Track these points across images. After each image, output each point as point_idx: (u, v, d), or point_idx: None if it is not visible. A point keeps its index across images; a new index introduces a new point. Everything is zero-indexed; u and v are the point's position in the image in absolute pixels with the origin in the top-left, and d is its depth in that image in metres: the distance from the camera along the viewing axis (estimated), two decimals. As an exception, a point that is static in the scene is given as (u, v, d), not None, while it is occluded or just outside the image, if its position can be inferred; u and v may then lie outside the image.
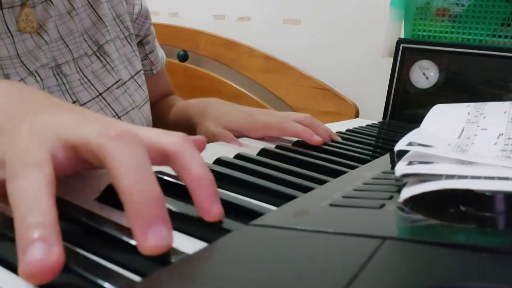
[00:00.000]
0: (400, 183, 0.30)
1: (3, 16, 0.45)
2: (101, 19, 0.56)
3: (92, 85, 0.54)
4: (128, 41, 0.60)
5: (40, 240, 0.18)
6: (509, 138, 0.33)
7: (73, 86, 0.51)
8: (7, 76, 0.45)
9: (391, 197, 0.28)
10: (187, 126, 0.62)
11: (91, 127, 0.23)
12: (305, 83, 1.25)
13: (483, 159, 0.28)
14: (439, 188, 0.26)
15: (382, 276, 0.18)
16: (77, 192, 0.29)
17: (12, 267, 0.20)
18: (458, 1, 0.76)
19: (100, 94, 0.54)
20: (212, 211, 0.24)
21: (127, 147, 0.22)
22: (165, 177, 0.32)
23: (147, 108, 0.62)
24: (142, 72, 0.63)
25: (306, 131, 0.50)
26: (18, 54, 0.46)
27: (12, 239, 0.21)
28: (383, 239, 0.21)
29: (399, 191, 0.28)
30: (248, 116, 0.54)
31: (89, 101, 0.53)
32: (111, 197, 0.28)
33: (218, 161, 0.39)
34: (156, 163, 0.24)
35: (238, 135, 0.53)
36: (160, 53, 0.73)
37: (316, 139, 0.50)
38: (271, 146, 0.47)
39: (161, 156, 0.25)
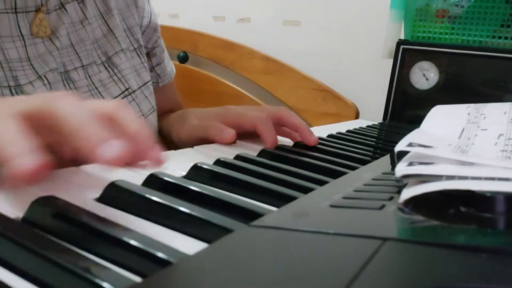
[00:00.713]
0: (400, 184, 0.30)
1: (17, 20, 0.46)
2: (112, 30, 0.57)
3: (99, 92, 0.54)
4: (137, 53, 0.61)
5: (24, 154, 0.24)
6: (509, 139, 0.33)
7: (81, 92, 0.53)
8: (15, 78, 0.47)
9: (391, 198, 0.28)
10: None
11: (37, 99, 0.28)
12: (305, 84, 1.25)
13: (483, 159, 0.28)
14: (440, 189, 0.26)
15: (383, 277, 0.18)
16: (77, 192, 0.29)
17: (12, 267, 0.20)
18: (457, 3, 0.76)
19: None
20: (153, 155, 0.29)
21: (71, 102, 0.27)
22: (165, 178, 0.32)
23: (152, 117, 0.62)
24: (150, 83, 0.63)
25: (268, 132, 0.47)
26: (28, 58, 0.47)
27: (12, 240, 0.21)
28: (383, 240, 0.21)
29: (399, 192, 0.28)
30: (223, 110, 0.54)
31: None
32: (111, 197, 0.28)
33: (218, 162, 0.39)
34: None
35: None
36: (169, 67, 0.73)
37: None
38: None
39: (105, 119, 0.28)
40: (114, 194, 0.28)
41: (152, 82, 0.68)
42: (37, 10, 0.48)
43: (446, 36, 0.78)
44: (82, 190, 0.30)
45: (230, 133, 0.47)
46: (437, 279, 0.17)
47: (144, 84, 0.61)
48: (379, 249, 0.20)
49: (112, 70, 0.56)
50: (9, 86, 0.46)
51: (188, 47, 1.41)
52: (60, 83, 0.50)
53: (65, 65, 0.51)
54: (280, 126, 0.51)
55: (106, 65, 0.56)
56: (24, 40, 0.47)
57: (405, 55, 0.79)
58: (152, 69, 0.69)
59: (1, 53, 0.46)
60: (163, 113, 0.71)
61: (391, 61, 0.81)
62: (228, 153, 0.42)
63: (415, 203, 0.26)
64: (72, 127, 0.26)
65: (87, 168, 0.34)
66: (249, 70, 1.33)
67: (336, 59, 1.25)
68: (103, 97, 0.55)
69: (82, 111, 0.26)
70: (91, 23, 0.54)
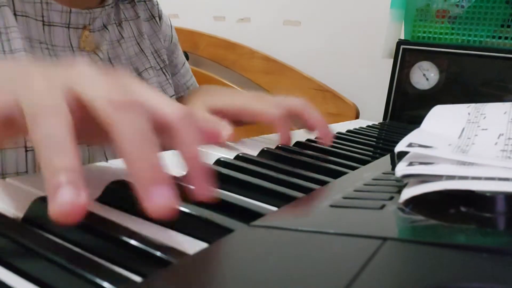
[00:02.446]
0: (401, 183, 0.30)
1: (69, 34, 0.55)
2: (143, 51, 0.65)
3: None
4: (163, 71, 0.69)
5: (69, 184, 0.20)
6: (509, 139, 0.33)
7: None
8: None
9: (391, 198, 0.28)
10: None
11: (99, 88, 0.24)
12: (305, 84, 1.25)
13: (483, 159, 0.28)
14: (440, 188, 0.26)
15: (383, 276, 0.18)
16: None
17: (12, 267, 0.20)
18: (458, 3, 0.76)
19: None
20: (203, 187, 0.25)
21: (130, 117, 0.22)
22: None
23: None
24: (173, 98, 0.69)
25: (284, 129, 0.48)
26: None
27: (12, 240, 0.21)
28: (383, 239, 0.21)
29: (399, 192, 0.28)
30: (238, 98, 0.52)
31: None
32: (111, 197, 0.28)
33: (219, 162, 0.39)
34: (156, 130, 0.25)
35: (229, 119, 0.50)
36: (183, 80, 0.76)
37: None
38: (271, 146, 0.47)
39: (160, 124, 0.25)
40: (114, 194, 0.28)
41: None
42: (84, 27, 0.56)
43: (446, 36, 0.78)
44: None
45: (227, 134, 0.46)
46: (437, 279, 0.17)
47: None
48: (379, 249, 0.20)
49: None
50: None
51: (188, 47, 1.41)
52: None
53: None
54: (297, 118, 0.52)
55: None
56: (73, 51, 0.55)
57: (405, 55, 0.79)
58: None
59: (54, 58, 0.53)
60: None
61: (391, 61, 0.81)
62: (228, 153, 0.42)
63: (415, 203, 0.26)
64: (127, 149, 0.22)
65: (87, 168, 0.34)
66: (249, 70, 1.33)
67: (336, 59, 1.25)
68: None
69: (139, 127, 0.22)
70: (126, 42, 0.63)
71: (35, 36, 0.52)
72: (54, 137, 0.21)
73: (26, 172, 0.49)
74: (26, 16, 0.52)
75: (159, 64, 0.68)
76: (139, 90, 0.26)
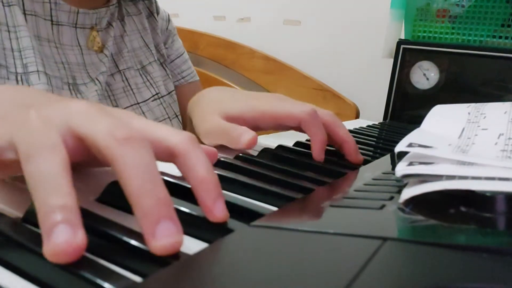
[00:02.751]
0: (401, 183, 0.30)
1: (76, 33, 0.57)
2: (147, 45, 0.67)
3: (133, 94, 0.63)
4: (163, 66, 0.70)
5: (64, 223, 0.19)
6: (509, 138, 0.33)
7: (115, 93, 0.61)
8: (73, 78, 0.56)
9: (391, 198, 0.28)
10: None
11: (100, 124, 0.23)
12: (305, 84, 1.25)
13: (483, 159, 0.28)
14: (440, 188, 0.26)
15: (383, 276, 0.18)
16: (77, 193, 0.29)
17: (12, 267, 0.20)
18: (458, 2, 0.76)
19: (138, 103, 0.63)
20: (215, 211, 0.24)
21: (134, 151, 0.22)
22: (165, 177, 0.32)
23: (175, 122, 0.69)
24: (173, 93, 0.71)
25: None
26: (84, 63, 0.57)
27: (12, 239, 0.21)
28: (383, 239, 0.21)
29: (399, 192, 0.28)
30: (255, 101, 0.46)
31: (127, 107, 0.61)
32: (111, 197, 0.28)
33: (219, 162, 0.39)
34: (162, 160, 0.25)
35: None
36: (182, 70, 0.77)
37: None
38: (271, 146, 0.46)
39: (167, 154, 0.25)
40: (114, 194, 0.28)
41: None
42: (91, 27, 0.58)
43: (447, 36, 0.78)
44: (82, 190, 0.30)
45: (248, 138, 0.41)
46: (437, 279, 0.17)
47: (169, 93, 0.70)
48: (379, 249, 0.20)
49: (146, 77, 0.65)
50: (68, 83, 0.55)
51: (188, 47, 1.41)
52: (104, 84, 0.59)
53: (111, 69, 0.61)
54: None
55: (141, 72, 0.65)
56: (81, 50, 0.57)
57: (406, 55, 0.79)
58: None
59: (63, 56, 0.55)
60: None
61: (391, 61, 0.81)
62: (228, 153, 0.42)
63: (416, 203, 0.26)
64: (128, 180, 0.21)
65: (87, 168, 0.34)
66: (249, 69, 1.33)
67: (336, 59, 1.24)
68: (135, 98, 0.62)
69: (143, 162, 0.21)
70: (129, 36, 0.64)
71: (43, 34, 0.54)
72: (49, 175, 0.20)
73: None
74: (35, 15, 0.54)
75: (159, 59, 0.70)
76: (140, 124, 0.25)
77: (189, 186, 0.30)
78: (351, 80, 1.22)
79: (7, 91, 0.29)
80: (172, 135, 0.25)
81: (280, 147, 0.47)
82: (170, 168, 0.35)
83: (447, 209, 0.25)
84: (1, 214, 0.24)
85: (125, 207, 0.27)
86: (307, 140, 0.52)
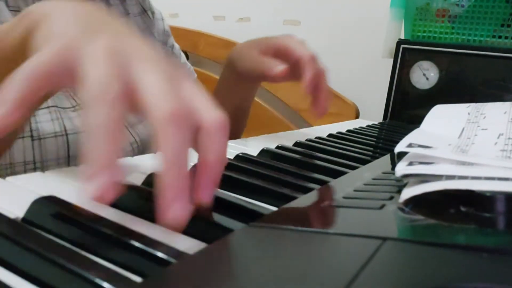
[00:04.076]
0: (401, 183, 0.30)
1: None
2: (149, 28, 0.68)
3: None
4: None
5: (110, 169, 0.22)
6: (509, 138, 0.33)
7: None
8: None
9: (391, 198, 0.28)
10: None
11: (158, 91, 0.24)
12: (305, 84, 1.25)
13: (483, 159, 0.28)
14: (440, 188, 0.26)
15: (383, 276, 0.18)
16: (77, 193, 0.29)
17: (12, 267, 0.20)
18: (458, 2, 0.76)
19: None
20: (202, 195, 0.25)
21: (177, 136, 0.24)
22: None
23: None
24: None
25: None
26: None
27: (12, 239, 0.21)
28: (383, 239, 0.21)
29: (399, 192, 0.28)
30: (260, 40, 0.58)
31: None
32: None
33: (218, 162, 0.39)
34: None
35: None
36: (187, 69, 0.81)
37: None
38: (271, 146, 0.47)
39: (195, 128, 0.26)
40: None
41: None
42: None
43: (447, 36, 0.78)
44: (82, 190, 0.30)
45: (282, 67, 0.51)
46: (437, 279, 0.17)
47: None
48: (379, 249, 0.20)
49: None
50: None
51: (188, 47, 1.41)
52: None
53: None
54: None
55: None
56: None
57: (405, 55, 0.79)
58: None
59: None
60: None
61: (391, 60, 0.81)
62: (228, 153, 0.42)
63: (415, 202, 0.26)
64: (166, 164, 0.24)
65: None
66: (249, 69, 1.33)
67: (336, 59, 1.24)
68: None
69: (181, 145, 0.24)
70: (134, 17, 0.65)
71: None
72: (103, 127, 0.23)
73: (33, 161, 0.49)
74: (19, 11, 0.52)
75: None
76: (190, 91, 0.27)
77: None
78: (351, 80, 1.22)
79: (69, 5, 0.31)
80: (208, 112, 0.26)
81: (280, 147, 0.47)
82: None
83: (447, 209, 0.25)
84: (1, 214, 0.24)
85: (125, 207, 0.27)
86: (307, 140, 0.52)
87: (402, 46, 0.79)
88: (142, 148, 0.60)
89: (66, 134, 0.52)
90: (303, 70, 0.53)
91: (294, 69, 0.54)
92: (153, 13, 0.71)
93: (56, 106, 0.52)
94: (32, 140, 0.49)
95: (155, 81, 0.25)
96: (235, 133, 0.70)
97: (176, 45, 0.78)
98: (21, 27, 0.31)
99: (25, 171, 0.49)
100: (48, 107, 0.51)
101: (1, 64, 0.32)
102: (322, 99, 0.55)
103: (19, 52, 0.30)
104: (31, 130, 0.49)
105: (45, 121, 0.50)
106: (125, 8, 0.66)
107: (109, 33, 0.27)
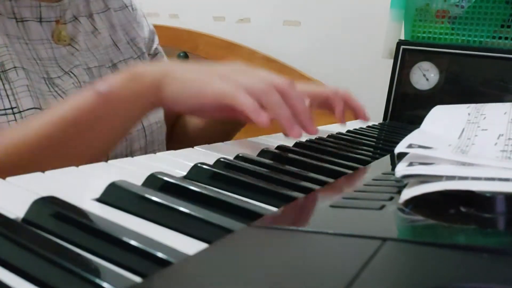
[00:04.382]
0: (401, 184, 0.30)
1: (42, 27, 0.57)
2: (116, 44, 0.66)
3: None
4: (140, 60, 0.70)
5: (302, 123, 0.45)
6: (509, 139, 0.33)
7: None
8: (47, 73, 0.56)
9: (391, 198, 0.28)
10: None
11: (257, 81, 0.44)
12: (305, 84, 1.25)
13: (483, 160, 0.28)
14: (440, 189, 0.26)
15: (383, 277, 0.18)
16: (77, 192, 0.29)
17: (12, 267, 0.20)
18: (458, 3, 0.76)
19: None
20: (311, 129, 0.46)
21: (274, 95, 0.44)
22: (165, 178, 0.32)
23: (159, 109, 0.70)
24: None
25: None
26: (55, 58, 0.57)
27: (12, 240, 0.21)
28: (383, 240, 0.21)
29: (399, 192, 0.28)
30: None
31: None
32: (111, 197, 0.28)
33: (218, 162, 0.39)
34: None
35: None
36: None
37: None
38: (271, 146, 0.47)
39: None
40: (114, 194, 0.28)
41: None
42: (56, 21, 0.58)
43: (446, 37, 0.78)
44: (82, 190, 0.30)
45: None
46: (437, 279, 0.17)
47: None
48: (379, 249, 0.20)
49: None
50: (44, 78, 0.55)
51: (188, 47, 1.41)
52: (86, 76, 0.59)
53: (87, 63, 0.61)
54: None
55: (112, 70, 0.65)
56: (51, 44, 0.57)
57: (405, 55, 0.79)
58: None
59: (34, 52, 0.55)
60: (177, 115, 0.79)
61: (391, 61, 0.81)
62: (228, 153, 0.42)
63: (415, 203, 0.26)
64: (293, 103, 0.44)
65: (87, 168, 0.34)
66: (249, 70, 1.33)
67: (336, 60, 1.25)
68: None
69: (298, 96, 0.45)
70: (101, 33, 0.64)
71: (12, 32, 0.54)
72: (281, 102, 0.43)
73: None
74: (0, 14, 0.54)
75: (135, 53, 0.69)
76: (271, 76, 0.45)
77: (191, 187, 0.31)
78: (351, 81, 1.22)
79: (184, 65, 0.46)
80: (281, 82, 0.45)
81: (280, 147, 0.47)
82: (171, 169, 0.35)
83: (447, 209, 0.25)
84: (1, 214, 0.24)
85: (125, 207, 0.27)
86: (307, 140, 0.52)
87: (402, 46, 0.79)
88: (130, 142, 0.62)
89: None
90: (333, 106, 0.61)
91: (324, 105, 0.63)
92: (134, 9, 0.71)
93: (40, 108, 0.52)
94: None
95: (260, 82, 0.43)
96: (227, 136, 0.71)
97: (159, 48, 0.79)
98: (130, 89, 0.44)
99: None
100: (34, 108, 0.51)
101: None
102: (360, 113, 0.64)
103: (131, 108, 0.45)
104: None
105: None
106: (106, 3, 0.66)
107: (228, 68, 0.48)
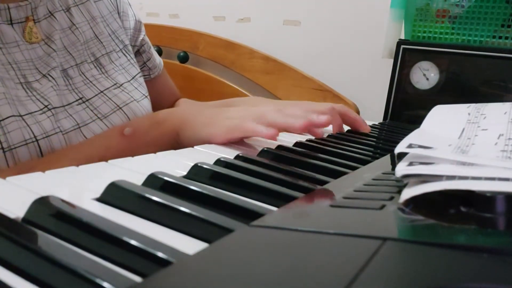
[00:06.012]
0: (401, 184, 0.30)
1: (14, 29, 0.56)
2: (97, 37, 0.66)
3: (94, 85, 0.62)
4: (123, 52, 0.69)
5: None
6: (509, 139, 0.33)
7: (78, 86, 0.61)
8: (24, 77, 0.55)
9: (391, 198, 0.28)
10: None
11: (293, 116, 0.50)
12: (305, 84, 1.25)
13: (483, 160, 0.28)
14: (440, 188, 0.26)
15: (383, 277, 0.18)
16: (77, 192, 0.29)
17: (12, 267, 0.20)
18: (458, 2, 0.76)
19: (101, 92, 0.63)
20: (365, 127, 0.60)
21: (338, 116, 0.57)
22: (165, 178, 0.32)
23: (146, 103, 0.69)
24: (138, 76, 0.71)
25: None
26: (32, 59, 0.56)
27: (12, 240, 0.21)
28: (383, 240, 0.21)
29: (399, 192, 0.28)
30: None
31: (93, 97, 0.61)
32: (111, 197, 0.28)
33: (219, 162, 0.39)
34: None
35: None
36: (158, 59, 0.83)
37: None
38: (271, 146, 0.47)
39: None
40: (114, 194, 0.28)
41: (145, 75, 0.78)
42: (26, 19, 0.57)
43: (447, 36, 0.78)
44: (82, 190, 0.30)
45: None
46: (437, 279, 0.17)
47: (133, 77, 0.70)
48: (379, 249, 0.20)
49: (100, 69, 0.65)
50: (21, 83, 0.54)
51: (188, 47, 1.41)
52: (61, 79, 0.58)
53: (62, 64, 0.59)
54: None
55: (95, 64, 0.64)
56: (25, 45, 0.56)
57: (406, 55, 0.79)
58: (144, 64, 0.78)
59: (9, 57, 0.54)
60: (167, 102, 0.83)
61: (391, 61, 0.81)
62: (228, 153, 0.42)
63: (416, 203, 0.26)
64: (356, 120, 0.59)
65: (87, 168, 0.34)
66: (249, 69, 1.33)
67: (336, 59, 1.24)
68: (97, 88, 0.62)
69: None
70: (79, 27, 0.63)
71: None
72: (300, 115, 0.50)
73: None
74: None
75: (118, 46, 0.68)
76: (313, 106, 0.57)
77: (191, 187, 0.30)
78: (351, 80, 1.22)
79: (200, 110, 0.53)
80: (325, 110, 0.56)
81: (280, 147, 0.47)
82: (171, 169, 0.35)
83: (447, 209, 0.25)
84: (1, 214, 0.24)
85: (125, 207, 0.27)
86: (307, 140, 0.52)
87: (402, 46, 0.79)
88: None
89: (37, 140, 0.51)
90: (331, 123, 0.62)
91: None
92: (118, 11, 0.71)
93: (19, 115, 0.51)
94: (4, 151, 0.49)
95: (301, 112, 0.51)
96: None
97: (146, 38, 0.79)
98: (151, 135, 0.52)
99: None
100: (12, 116, 0.50)
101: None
102: (361, 126, 0.63)
103: (151, 150, 0.44)
104: (0, 142, 0.49)
105: (12, 130, 0.50)
106: None
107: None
